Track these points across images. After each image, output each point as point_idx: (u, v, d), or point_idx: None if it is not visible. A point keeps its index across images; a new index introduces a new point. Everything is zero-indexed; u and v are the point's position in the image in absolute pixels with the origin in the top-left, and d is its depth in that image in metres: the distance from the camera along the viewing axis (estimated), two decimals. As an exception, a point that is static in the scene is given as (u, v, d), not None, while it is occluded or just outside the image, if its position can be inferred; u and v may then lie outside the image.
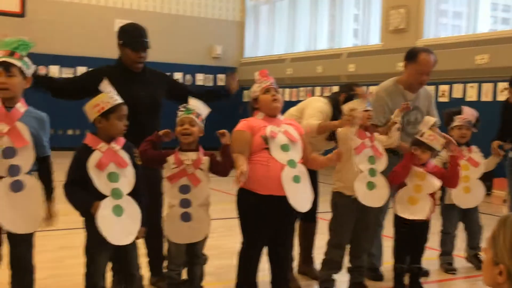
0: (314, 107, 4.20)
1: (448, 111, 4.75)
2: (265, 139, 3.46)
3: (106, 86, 3.14)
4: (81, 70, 14.25)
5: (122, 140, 3.18)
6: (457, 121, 4.69)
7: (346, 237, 3.99)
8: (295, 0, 15.30)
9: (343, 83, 13.39)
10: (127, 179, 3.12)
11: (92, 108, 3.10)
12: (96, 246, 3.09)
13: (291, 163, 3.47)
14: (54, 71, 14.09)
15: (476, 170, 4.71)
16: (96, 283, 3.13)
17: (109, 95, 3.12)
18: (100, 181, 3.02)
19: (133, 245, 3.21)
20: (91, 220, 3.01)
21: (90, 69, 4.00)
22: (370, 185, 3.89)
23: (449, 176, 4.07)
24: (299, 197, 3.51)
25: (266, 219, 3.51)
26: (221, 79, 16.42)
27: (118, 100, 3.13)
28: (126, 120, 3.16)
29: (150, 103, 3.89)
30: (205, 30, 15.96)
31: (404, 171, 3.99)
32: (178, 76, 15.50)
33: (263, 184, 3.43)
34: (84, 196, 3.03)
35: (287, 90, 14.62)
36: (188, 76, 15.78)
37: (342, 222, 3.95)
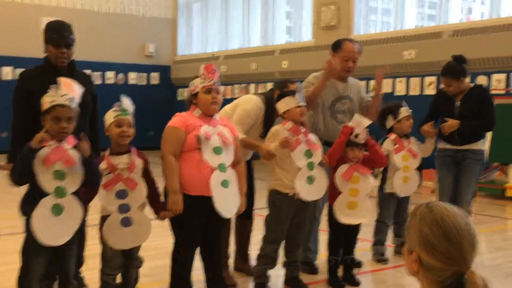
0: (243, 110, 4.17)
1: (389, 107, 4.89)
2: (199, 139, 3.43)
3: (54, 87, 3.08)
4: (6, 70, 13.79)
5: (72, 140, 3.11)
6: (405, 112, 4.86)
7: (282, 234, 4.02)
8: (227, -3, 15.30)
9: (277, 79, 13.55)
10: (73, 178, 3.07)
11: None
12: (33, 247, 3.02)
13: (221, 167, 3.45)
14: (-21, 71, 13.55)
15: (415, 161, 4.92)
16: (28, 286, 3.04)
17: (49, 95, 3.06)
18: (44, 178, 2.98)
19: (72, 251, 3.14)
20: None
21: (16, 88, 3.71)
22: (310, 179, 3.93)
23: (373, 157, 4.16)
24: (226, 202, 3.50)
25: (197, 219, 3.49)
26: (154, 77, 16.23)
27: (57, 101, 3.05)
28: (66, 122, 3.07)
29: (80, 104, 3.77)
30: (137, 28, 15.72)
31: (340, 147, 4.04)
32: (110, 75, 15.21)
33: (193, 185, 3.40)
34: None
35: (222, 88, 14.57)
36: (121, 75, 15.52)
37: (278, 219, 3.98)
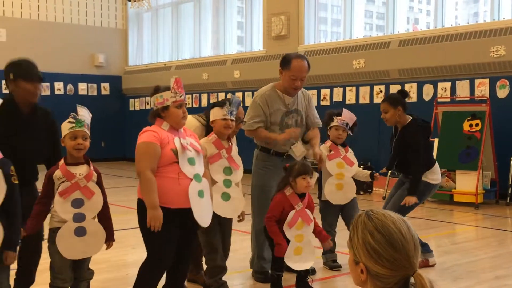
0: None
1: (329, 112, 4.95)
2: (175, 152, 3.38)
3: None
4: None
5: None
6: (335, 122, 4.89)
7: (217, 240, 4.05)
8: (178, 7, 15.27)
9: (229, 89, 13.58)
10: None
11: None
12: None
13: (197, 177, 3.44)
14: None
15: (351, 169, 4.92)
16: None
17: None
18: None
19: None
20: None
21: None
22: (226, 196, 3.94)
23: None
24: (203, 212, 3.48)
25: (173, 233, 3.43)
26: (105, 88, 16.02)
27: None
28: None
29: (36, 156, 3.68)
30: (87, 38, 15.49)
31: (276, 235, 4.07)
32: (59, 86, 14.92)
33: (174, 198, 3.36)
34: None
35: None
36: (70, 86, 15.24)
37: (207, 228, 3.95)
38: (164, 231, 3.34)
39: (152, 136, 3.39)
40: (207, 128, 4.15)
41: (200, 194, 3.44)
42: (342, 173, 4.87)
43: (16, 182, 3.09)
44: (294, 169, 4.07)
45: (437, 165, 5.01)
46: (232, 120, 3.95)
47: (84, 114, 3.35)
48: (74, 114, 3.31)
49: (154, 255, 3.46)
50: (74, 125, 3.28)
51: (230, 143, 4.01)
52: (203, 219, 3.51)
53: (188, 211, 3.39)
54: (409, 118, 4.94)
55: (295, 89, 4.51)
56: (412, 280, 1.57)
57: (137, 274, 3.52)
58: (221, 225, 4.08)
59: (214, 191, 3.87)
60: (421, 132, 4.90)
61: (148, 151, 3.36)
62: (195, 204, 3.39)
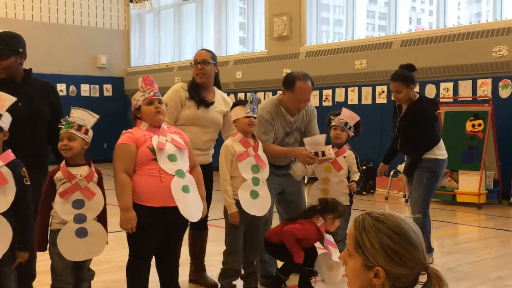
0: (165, 97, 4.17)
1: (329, 113, 4.84)
2: (152, 150, 3.40)
3: None
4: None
5: (9, 156, 3.01)
6: (333, 121, 4.76)
7: (240, 243, 4.02)
8: (180, 8, 15.29)
9: (231, 90, 13.57)
10: (4, 198, 2.94)
11: None
12: None
13: (179, 173, 3.44)
14: None
15: (338, 174, 4.60)
16: None
17: None
18: None
19: (6, 268, 3.03)
20: None
21: None
22: (254, 194, 3.93)
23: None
24: (190, 207, 3.49)
25: (157, 231, 3.46)
26: (108, 89, 16.04)
27: None
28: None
29: (29, 116, 3.67)
30: (89, 40, 15.51)
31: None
32: (61, 87, 14.95)
33: (156, 196, 3.37)
34: None
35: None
36: (72, 87, 15.26)
37: (233, 228, 3.97)
38: (143, 230, 3.36)
39: (127, 137, 3.44)
40: (190, 85, 4.32)
41: (185, 189, 3.43)
42: (328, 178, 4.59)
43: (28, 183, 3.08)
44: (338, 209, 4.09)
45: (442, 141, 5.02)
46: (254, 118, 3.97)
47: (78, 115, 3.31)
48: (67, 116, 3.31)
49: (134, 252, 3.51)
50: (62, 126, 3.28)
51: (255, 141, 4.01)
52: (191, 214, 3.50)
53: (173, 209, 3.37)
54: (417, 94, 4.94)
55: (298, 110, 4.39)
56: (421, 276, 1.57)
57: (126, 275, 3.55)
58: (253, 223, 4.02)
59: (244, 189, 3.87)
60: (430, 106, 4.89)
61: (121, 153, 3.40)
62: (179, 199, 3.39)
